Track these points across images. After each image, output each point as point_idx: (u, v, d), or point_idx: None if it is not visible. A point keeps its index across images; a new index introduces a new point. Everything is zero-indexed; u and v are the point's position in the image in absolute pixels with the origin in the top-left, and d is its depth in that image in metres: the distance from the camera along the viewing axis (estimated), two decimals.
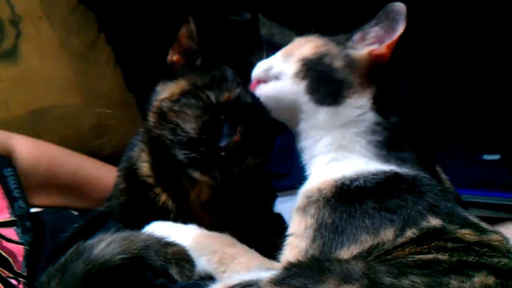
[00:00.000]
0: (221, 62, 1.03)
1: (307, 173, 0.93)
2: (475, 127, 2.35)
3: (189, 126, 0.92)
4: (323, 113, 0.89)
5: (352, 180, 0.83)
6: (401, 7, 0.87)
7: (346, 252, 0.77)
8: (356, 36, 0.92)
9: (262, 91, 0.95)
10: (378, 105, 0.89)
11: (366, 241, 0.77)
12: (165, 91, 0.99)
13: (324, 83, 0.89)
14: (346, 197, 0.82)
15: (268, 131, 0.98)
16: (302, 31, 0.99)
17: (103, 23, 1.66)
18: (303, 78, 0.90)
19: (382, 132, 0.88)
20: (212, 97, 0.94)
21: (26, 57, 1.47)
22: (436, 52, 2.35)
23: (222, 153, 0.89)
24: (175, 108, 0.94)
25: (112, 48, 1.66)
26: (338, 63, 0.90)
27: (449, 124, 2.27)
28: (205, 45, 1.01)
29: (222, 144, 0.90)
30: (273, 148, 1.02)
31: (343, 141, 0.89)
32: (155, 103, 0.98)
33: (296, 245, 0.82)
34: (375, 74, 0.90)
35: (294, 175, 1.71)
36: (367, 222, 0.79)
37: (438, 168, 0.92)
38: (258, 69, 0.96)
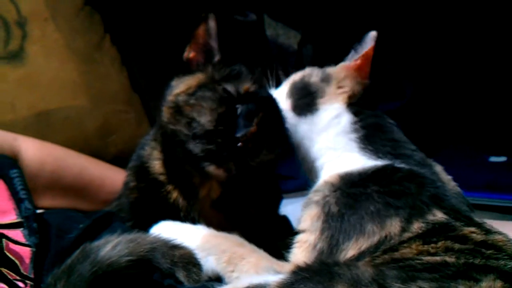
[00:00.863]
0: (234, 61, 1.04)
1: (312, 181, 0.99)
2: (481, 129, 2.35)
3: (205, 119, 0.91)
4: (304, 124, 0.99)
5: (355, 170, 0.89)
6: (372, 33, 1.00)
7: (354, 246, 0.79)
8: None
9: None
10: (353, 107, 0.99)
11: (373, 233, 0.79)
12: (181, 85, 0.99)
13: (302, 97, 1.01)
14: (350, 183, 0.87)
15: (281, 128, 0.99)
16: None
17: (108, 24, 1.66)
18: (289, 97, 1.02)
19: (360, 130, 0.96)
20: (231, 88, 0.94)
21: (32, 59, 1.47)
22: (444, 55, 2.34)
23: (239, 144, 0.89)
24: (191, 101, 0.94)
25: (117, 49, 1.66)
26: (314, 79, 1.03)
27: (455, 126, 2.26)
28: (224, 43, 1.03)
29: (239, 134, 0.89)
30: (284, 146, 1.02)
31: (328, 143, 0.97)
32: (170, 98, 0.98)
33: (305, 240, 0.84)
34: (350, 83, 1.01)
35: (300, 177, 1.71)
36: (372, 208, 0.81)
37: (438, 169, 0.94)
38: None
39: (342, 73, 1.02)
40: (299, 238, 0.86)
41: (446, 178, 0.92)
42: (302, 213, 0.88)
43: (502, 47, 2.36)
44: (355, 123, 0.97)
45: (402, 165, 0.89)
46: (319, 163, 0.98)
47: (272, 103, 0.97)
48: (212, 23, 1.00)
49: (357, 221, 0.80)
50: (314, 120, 0.99)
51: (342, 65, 1.04)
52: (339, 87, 1.00)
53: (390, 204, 0.81)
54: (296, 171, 1.72)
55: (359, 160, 0.92)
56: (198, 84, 0.97)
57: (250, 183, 0.99)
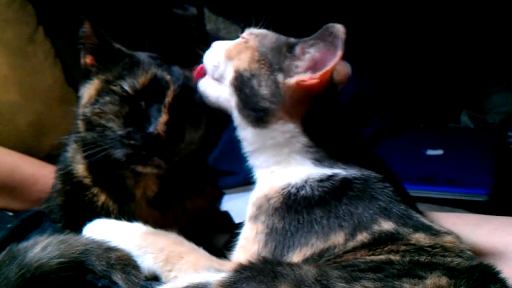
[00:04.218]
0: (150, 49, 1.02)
1: (253, 177, 0.94)
2: (418, 122, 2.41)
3: (114, 124, 0.90)
4: (251, 133, 0.90)
5: (298, 188, 0.84)
6: (340, 31, 0.81)
7: (298, 255, 0.79)
8: (297, 51, 0.88)
9: (204, 85, 0.96)
10: (310, 127, 0.88)
11: (317, 245, 0.78)
12: (85, 95, 0.97)
13: (249, 108, 0.88)
14: (294, 208, 0.83)
15: (198, 101, 0.97)
16: (252, 22, 0.98)
17: (42, 16, 1.60)
18: (235, 93, 0.90)
19: (317, 151, 0.88)
20: (126, 86, 0.92)
21: None
22: (380, 48, 2.39)
23: (152, 139, 0.88)
24: (96, 110, 0.92)
25: (51, 42, 1.60)
26: (264, 91, 0.87)
27: (394, 119, 2.31)
28: (130, 37, 1.01)
29: (150, 130, 0.88)
30: (213, 119, 1.02)
31: (278, 158, 0.90)
32: (80, 111, 0.97)
33: (248, 248, 0.83)
34: (307, 100, 0.87)
35: (240, 173, 1.71)
36: (316, 228, 0.80)
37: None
38: (208, 61, 0.95)
39: (298, 93, 0.86)
40: (241, 244, 0.85)
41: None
42: (245, 225, 0.87)
43: (436, 46, 2.43)
44: (311, 146, 0.87)
45: (356, 173, 0.85)
46: (265, 170, 0.91)
47: (181, 82, 0.94)
48: (87, 23, 0.97)
49: (302, 236, 0.80)
50: (264, 135, 0.88)
51: (298, 80, 0.85)
52: (293, 107, 0.87)
53: (335, 223, 0.80)
54: (235, 166, 1.72)
55: (307, 171, 0.86)
56: (97, 92, 0.95)
57: (187, 173, 0.99)
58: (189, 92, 0.95)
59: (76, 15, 1.59)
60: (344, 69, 0.99)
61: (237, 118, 0.91)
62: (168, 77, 0.93)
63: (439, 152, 2.01)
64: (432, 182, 1.79)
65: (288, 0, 2.34)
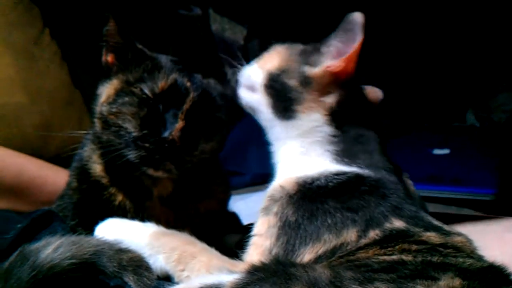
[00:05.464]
0: (155, 50, 1.02)
1: (271, 175, 0.95)
2: (424, 122, 2.40)
3: (129, 125, 0.91)
4: (279, 126, 0.94)
5: (314, 179, 0.86)
6: (357, 17, 0.88)
7: (310, 251, 0.79)
8: (323, 48, 0.94)
9: (241, 95, 1.01)
10: (335, 119, 0.92)
11: (329, 241, 0.79)
12: (103, 94, 0.97)
13: (280, 100, 0.94)
14: (308, 196, 0.84)
15: (217, 113, 0.98)
16: (283, 39, 1.02)
17: (48, 18, 1.60)
18: (266, 93, 0.95)
19: (339, 144, 0.91)
20: (146, 89, 0.92)
21: None
22: (385, 49, 2.38)
23: (166, 144, 0.88)
24: (113, 110, 0.93)
25: (57, 44, 1.60)
26: (292, 82, 0.93)
27: (398, 119, 2.30)
28: (136, 38, 1.00)
29: (165, 135, 0.88)
30: (226, 131, 1.02)
31: (301, 149, 0.92)
32: (97, 109, 0.97)
33: (260, 244, 0.83)
34: (334, 88, 0.92)
35: (247, 174, 1.71)
36: (329, 221, 0.81)
37: (405, 177, 0.94)
38: (243, 76, 1.01)
39: (325, 78, 0.91)
40: (253, 240, 0.85)
41: (409, 183, 0.93)
42: (258, 218, 0.87)
43: (441, 46, 2.42)
44: (334, 136, 0.91)
45: (371, 173, 0.87)
46: (285, 162, 0.94)
47: (201, 90, 0.95)
48: (113, 22, 0.97)
49: (314, 231, 0.81)
50: (291, 126, 0.93)
51: (324, 67, 0.91)
52: (321, 95, 0.92)
53: (348, 217, 0.81)
54: (242, 167, 1.72)
55: (327, 166, 0.89)
56: (116, 91, 0.95)
57: (200, 177, 0.99)
58: (208, 102, 0.95)
59: (81, 17, 1.61)
60: (375, 95, 1.03)
61: (269, 116, 0.95)
62: (188, 84, 0.94)
63: (446, 151, 2.01)
64: (438, 182, 1.78)
65: (291, 3, 2.34)
